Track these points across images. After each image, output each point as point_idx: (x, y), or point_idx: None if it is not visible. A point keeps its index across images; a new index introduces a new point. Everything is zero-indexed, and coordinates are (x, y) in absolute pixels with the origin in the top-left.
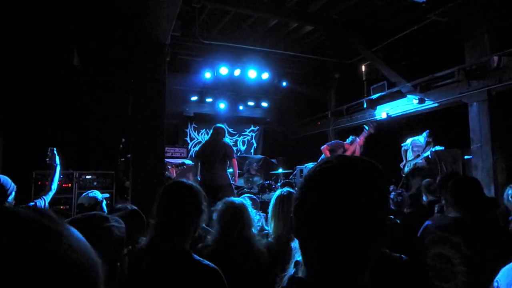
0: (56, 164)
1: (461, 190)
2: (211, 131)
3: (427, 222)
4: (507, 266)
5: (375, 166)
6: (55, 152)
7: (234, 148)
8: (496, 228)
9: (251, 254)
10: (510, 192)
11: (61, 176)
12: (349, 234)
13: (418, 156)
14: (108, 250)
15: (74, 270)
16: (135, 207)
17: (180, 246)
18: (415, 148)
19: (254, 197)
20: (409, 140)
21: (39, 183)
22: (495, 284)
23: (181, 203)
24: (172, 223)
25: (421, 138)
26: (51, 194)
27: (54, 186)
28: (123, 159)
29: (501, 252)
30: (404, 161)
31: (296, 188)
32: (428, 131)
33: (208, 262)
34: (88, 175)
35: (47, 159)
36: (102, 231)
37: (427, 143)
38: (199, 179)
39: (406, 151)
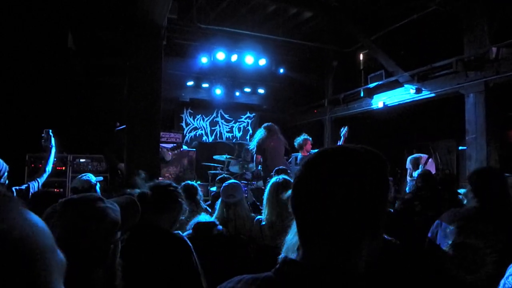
0: (52, 146)
1: (482, 180)
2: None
3: (439, 219)
4: None
5: (374, 154)
6: (50, 134)
7: (230, 135)
8: None
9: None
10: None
11: (55, 159)
12: (342, 219)
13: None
14: (101, 231)
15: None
16: (134, 194)
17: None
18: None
19: (236, 181)
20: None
21: (32, 165)
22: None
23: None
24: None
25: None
26: (45, 176)
27: (49, 168)
28: (113, 138)
29: None
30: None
31: (291, 174)
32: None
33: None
34: (83, 158)
35: (43, 141)
36: (96, 211)
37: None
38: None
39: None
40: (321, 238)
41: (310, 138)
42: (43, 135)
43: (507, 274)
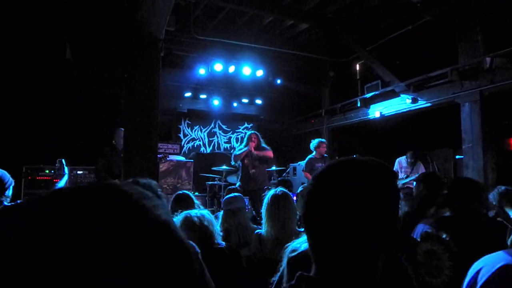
0: (65, 174)
1: (455, 190)
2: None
3: (420, 224)
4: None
5: (384, 167)
6: (63, 162)
7: (228, 145)
8: (484, 223)
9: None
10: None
11: (66, 173)
12: (358, 233)
13: (408, 177)
14: None
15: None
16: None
17: None
18: (403, 168)
19: (239, 194)
20: (396, 162)
21: (29, 177)
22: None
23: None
24: None
25: (405, 158)
26: None
27: None
28: (103, 154)
29: (485, 247)
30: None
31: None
32: (411, 152)
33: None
34: (80, 170)
35: (56, 170)
36: None
37: (410, 164)
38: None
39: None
40: (336, 253)
41: (325, 141)
42: (56, 164)
43: (474, 270)
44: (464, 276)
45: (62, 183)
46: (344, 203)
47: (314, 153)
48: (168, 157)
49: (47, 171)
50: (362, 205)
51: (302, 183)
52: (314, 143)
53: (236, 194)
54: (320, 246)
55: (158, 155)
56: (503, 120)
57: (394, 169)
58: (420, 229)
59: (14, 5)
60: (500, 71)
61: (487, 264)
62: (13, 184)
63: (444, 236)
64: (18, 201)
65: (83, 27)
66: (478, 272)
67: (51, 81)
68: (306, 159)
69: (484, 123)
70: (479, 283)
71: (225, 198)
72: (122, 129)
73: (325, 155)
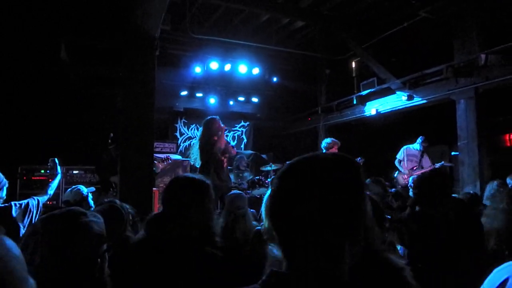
0: (58, 173)
1: (421, 186)
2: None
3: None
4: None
5: (346, 160)
6: (56, 161)
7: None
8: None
9: None
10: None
11: (59, 173)
12: (320, 227)
13: (422, 167)
14: (86, 246)
15: None
16: (116, 202)
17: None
18: (410, 157)
19: (241, 192)
20: (401, 150)
21: (25, 178)
22: None
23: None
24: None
25: (416, 145)
26: (46, 198)
27: (51, 191)
28: (106, 152)
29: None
30: (400, 171)
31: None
32: (423, 137)
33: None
34: (76, 170)
35: (48, 170)
36: (79, 226)
37: (423, 149)
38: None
39: (400, 161)
40: (302, 248)
41: (339, 142)
42: (48, 164)
43: (498, 279)
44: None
45: (55, 183)
46: (306, 201)
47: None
48: (170, 159)
49: (42, 171)
50: (325, 201)
51: None
52: (327, 142)
53: (239, 193)
54: (287, 243)
55: (162, 156)
56: (498, 116)
57: (398, 157)
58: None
59: (8, 5)
60: (495, 68)
61: None
62: (6, 185)
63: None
64: (13, 202)
65: (78, 27)
66: (505, 281)
67: (46, 81)
68: None
69: (479, 119)
70: None
71: (229, 197)
72: None
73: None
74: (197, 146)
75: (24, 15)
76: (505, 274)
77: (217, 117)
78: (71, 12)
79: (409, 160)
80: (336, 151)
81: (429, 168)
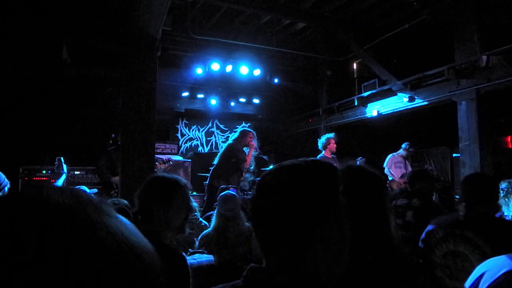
0: (64, 172)
1: (474, 187)
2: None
3: (430, 226)
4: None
5: (316, 167)
6: (62, 160)
7: (225, 144)
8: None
9: None
10: (503, 186)
11: (64, 172)
12: (287, 229)
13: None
14: None
15: (129, 271)
16: (123, 203)
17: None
18: (397, 164)
19: (234, 194)
20: (387, 159)
21: (26, 178)
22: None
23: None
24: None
25: (400, 152)
26: None
27: None
28: (107, 153)
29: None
30: (393, 179)
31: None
32: (407, 143)
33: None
34: (77, 170)
35: (55, 168)
36: None
37: (406, 156)
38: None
39: (389, 169)
40: (275, 247)
41: (333, 135)
42: (55, 163)
43: (476, 274)
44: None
45: (60, 182)
46: (273, 206)
47: (323, 152)
48: (171, 161)
49: (44, 172)
50: (285, 205)
51: None
52: (322, 141)
53: (230, 193)
54: (264, 243)
55: (164, 157)
56: (499, 118)
57: (385, 166)
58: (430, 229)
59: (10, 7)
60: (496, 69)
61: (490, 268)
62: (8, 185)
63: (471, 235)
64: None
65: (80, 28)
66: (480, 276)
67: (48, 82)
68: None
69: (481, 121)
70: None
71: (220, 197)
72: None
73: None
74: (225, 150)
75: (25, 16)
76: (483, 269)
77: (254, 132)
78: (72, 13)
79: (397, 167)
80: (334, 145)
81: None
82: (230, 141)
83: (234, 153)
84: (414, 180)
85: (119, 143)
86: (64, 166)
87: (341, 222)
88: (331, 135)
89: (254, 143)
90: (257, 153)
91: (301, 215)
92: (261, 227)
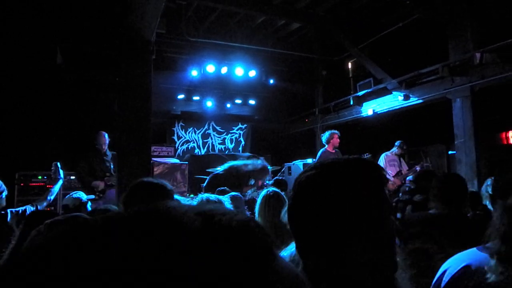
0: (60, 178)
1: (446, 187)
2: None
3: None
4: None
5: (366, 166)
6: (59, 166)
7: (222, 146)
8: (472, 221)
9: None
10: (489, 182)
11: (61, 177)
12: (329, 232)
13: (401, 172)
14: None
15: None
16: (114, 209)
17: None
18: (391, 162)
19: (238, 194)
20: (381, 158)
21: (22, 184)
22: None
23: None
24: None
25: (393, 150)
26: (45, 203)
27: (51, 197)
28: (85, 157)
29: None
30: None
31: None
32: (400, 141)
33: None
34: (73, 175)
35: (52, 173)
36: None
37: (399, 154)
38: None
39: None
40: (315, 246)
41: (337, 132)
42: (52, 168)
43: (441, 271)
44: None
45: (56, 188)
46: (317, 208)
47: (326, 146)
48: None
49: (40, 177)
50: (336, 207)
51: None
52: (326, 135)
53: (236, 194)
54: (301, 245)
55: (160, 160)
56: (494, 114)
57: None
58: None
59: (4, 11)
60: (490, 67)
61: (452, 265)
62: (6, 192)
63: (436, 234)
64: (9, 210)
65: (74, 32)
66: (443, 273)
67: (43, 87)
68: (319, 153)
69: (476, 118)
70: (442, 284)
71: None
72: (104, 132)
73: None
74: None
75: (20, 20)
76: (446, 266)
77: (270, 168)
78: (66, 18)
79: (391, 166)
80: (338, 140)
81: (412, 171)
82: (249, 166)
83: (241, 178)
84: (420, 179)
85: (96, 146)
86: (61, 172)
87: (385, 220)
88: (335, 131)
89: (262, 181)
90: (255, 187)
91: (345, 213)
92: (301, 227)
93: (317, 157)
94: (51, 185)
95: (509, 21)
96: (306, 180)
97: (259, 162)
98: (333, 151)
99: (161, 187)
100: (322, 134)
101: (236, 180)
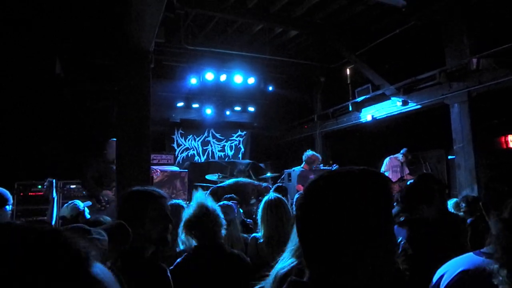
0: (53, 198)
1: (408, 194)
2: None
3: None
4: (454, 260)
5: (370, 177)
6: (53, 182)
7: (222, 154)
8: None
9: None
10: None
11: (54, 197)
12: (339, 241)
13: (403, 179)
14: None
15: None
16: (107, 220)
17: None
18: (394, 167)
19: (229, 203)
20: (385, 162)
21: (21, 194)
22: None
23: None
24: None
25: (398, 156)
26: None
27: (52, 221)
28: (95, 164)
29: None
30: None
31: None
32: (406, 148)
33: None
34: (73, 184)
35: (45, 190)
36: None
37: (403, 161)
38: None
39: (385, 173)
40: (324, 259)
41: (319, 156)
42: (45, 184)
43: (438, 275)
44: (420, 278)
45: (53, 209)
46: (328, 216)
47: (303, 164)
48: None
49: (39, 187)
50: (349, 216)
51: (298, 191)
52: (307, 155)
53: (226, 202)
54: (310, 254)
55: (160, 168)
56: (492, 119)
57: (382, 170)
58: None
59: (3, 22)
60: (487, 72)
61: (449, 269)
62: (11, 202)
63: (399, 239)
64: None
65: (73, 42)
66: (441, 277)
67: (42, 97)
68: (298, 172)
69: (474, 123)
70: None
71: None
72: (114, 139)
73: (314, 167)
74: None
75: (19, 31)
76: (443, 270)
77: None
78: (65, 28)
79: (394, 171)
80: (315, 164)
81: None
82: (254, 186)
83: (243, 195)
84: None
85: (105, 153)
86: (54, 191)
87: (391, 231)
88: (318, 155)
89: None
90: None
91: (354, 223)
92: (309, 234)
93: (297, 176)
94: (48, 197)
95: (505, 26)
96: (317, 189)
97: (264, 184)
98: (311, 168)
99: (149, 194)
100: (306, 152)
101: (237, 196)
